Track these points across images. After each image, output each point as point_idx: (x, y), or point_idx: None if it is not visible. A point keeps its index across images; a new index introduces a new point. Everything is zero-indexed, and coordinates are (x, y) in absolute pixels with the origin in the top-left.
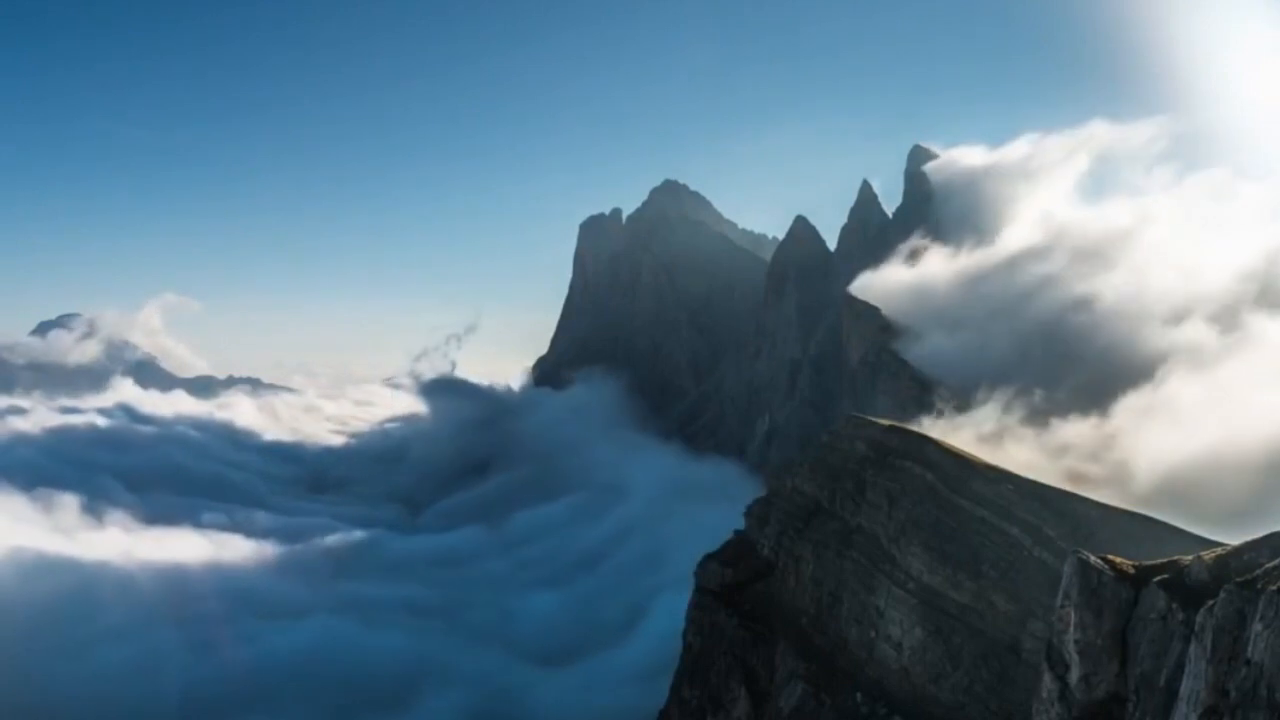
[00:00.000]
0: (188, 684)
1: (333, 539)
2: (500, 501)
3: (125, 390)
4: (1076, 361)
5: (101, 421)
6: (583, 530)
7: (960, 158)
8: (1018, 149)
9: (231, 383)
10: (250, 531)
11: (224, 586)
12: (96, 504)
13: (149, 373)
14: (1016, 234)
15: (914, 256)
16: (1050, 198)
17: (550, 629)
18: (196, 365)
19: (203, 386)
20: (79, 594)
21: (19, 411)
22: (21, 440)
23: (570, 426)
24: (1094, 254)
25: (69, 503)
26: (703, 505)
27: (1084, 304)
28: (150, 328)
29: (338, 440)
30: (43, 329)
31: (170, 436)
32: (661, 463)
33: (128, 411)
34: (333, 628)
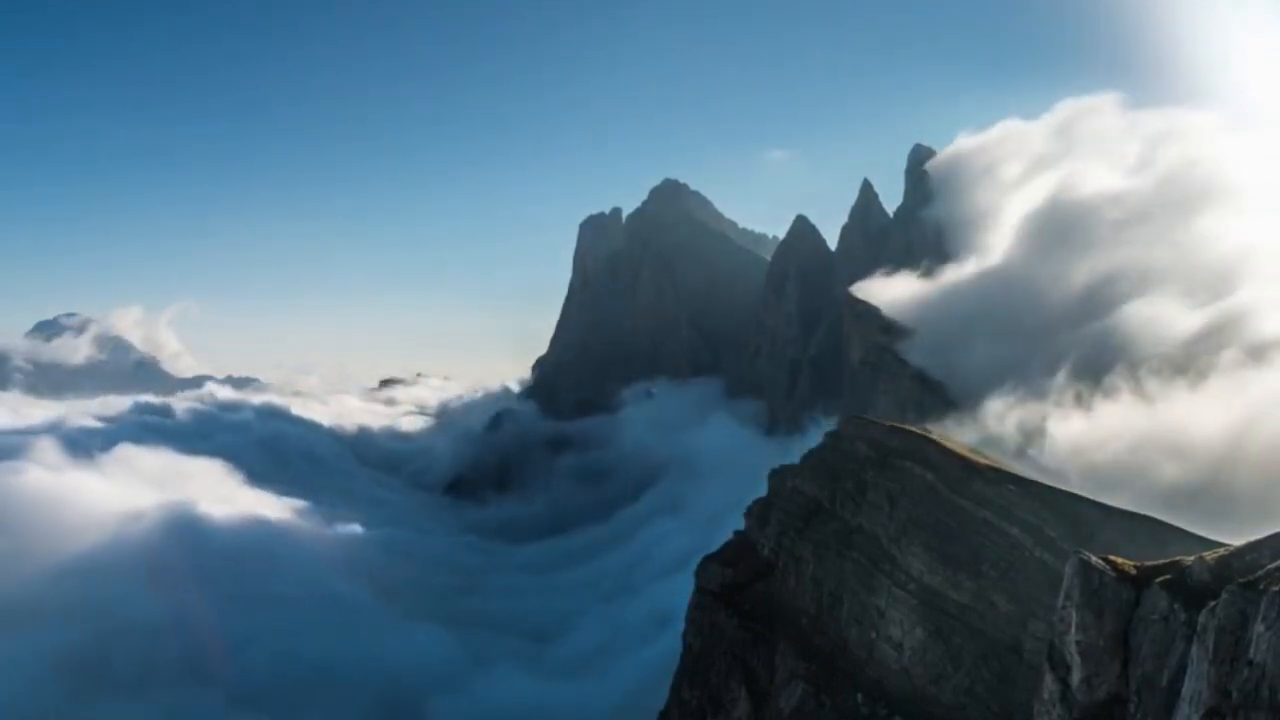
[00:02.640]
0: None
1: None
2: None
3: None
4: (1082, 354)
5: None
6: None
7: (959, 151)
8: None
9: (232, 383)
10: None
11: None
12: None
13: (148, 373)
14: (1013, 229)
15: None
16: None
17: None
18: (195, 366)
19: (202, 387)
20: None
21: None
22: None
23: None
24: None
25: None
26: None
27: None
28: (148, 328)
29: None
30: (41, 329)
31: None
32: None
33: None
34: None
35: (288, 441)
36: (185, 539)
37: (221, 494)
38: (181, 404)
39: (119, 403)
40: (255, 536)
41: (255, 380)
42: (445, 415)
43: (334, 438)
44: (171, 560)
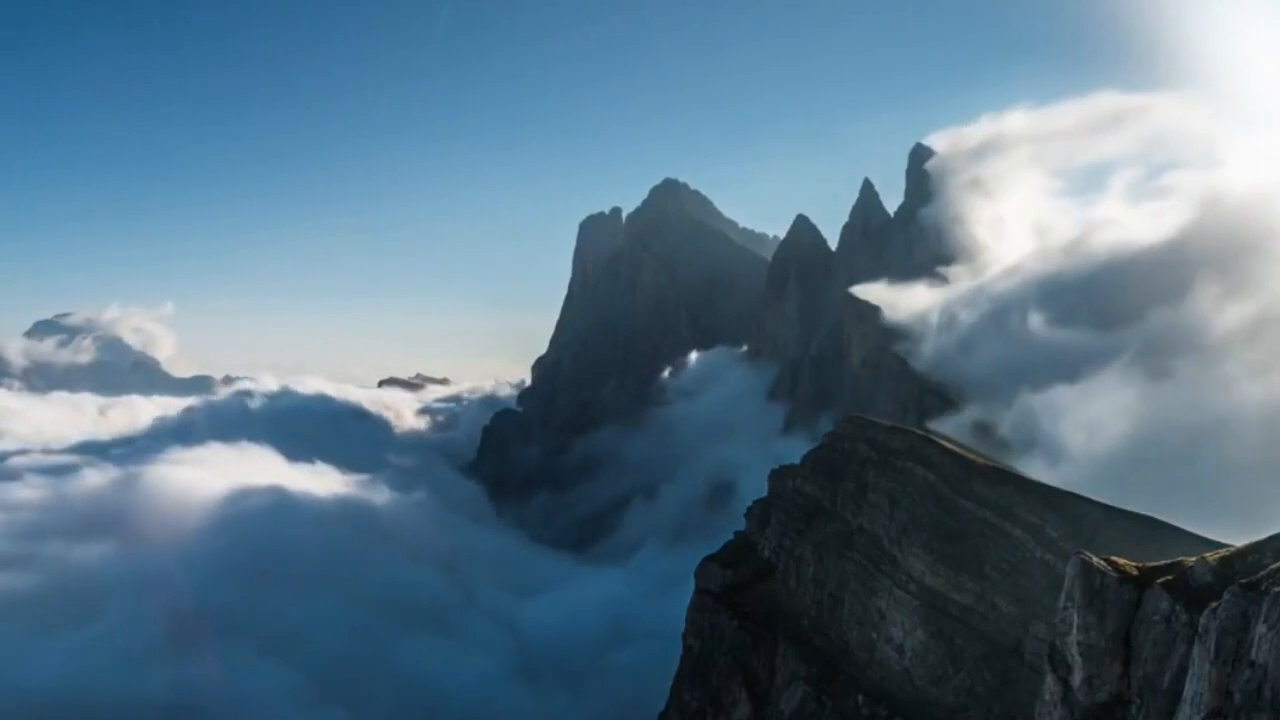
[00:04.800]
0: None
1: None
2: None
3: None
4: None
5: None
6: None
7: (959, 151)
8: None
9: (230, 382)
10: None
11: None
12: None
13: (146, 373)
14: (1014, 232)
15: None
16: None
17: None
18: (191, 366)
19: (202, 386)
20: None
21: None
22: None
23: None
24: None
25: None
26: None
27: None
28: (144, 329)
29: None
30: (39, 329)
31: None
32: None
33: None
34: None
35: (335, 420)
36: (271, 521)
37: (280, 475)
38: (204, 401)
39: (146, 403)
40: (329, 515)
41: (253, 380)
42: (444, 415)
43: (358, 411)
44: (257, 543)
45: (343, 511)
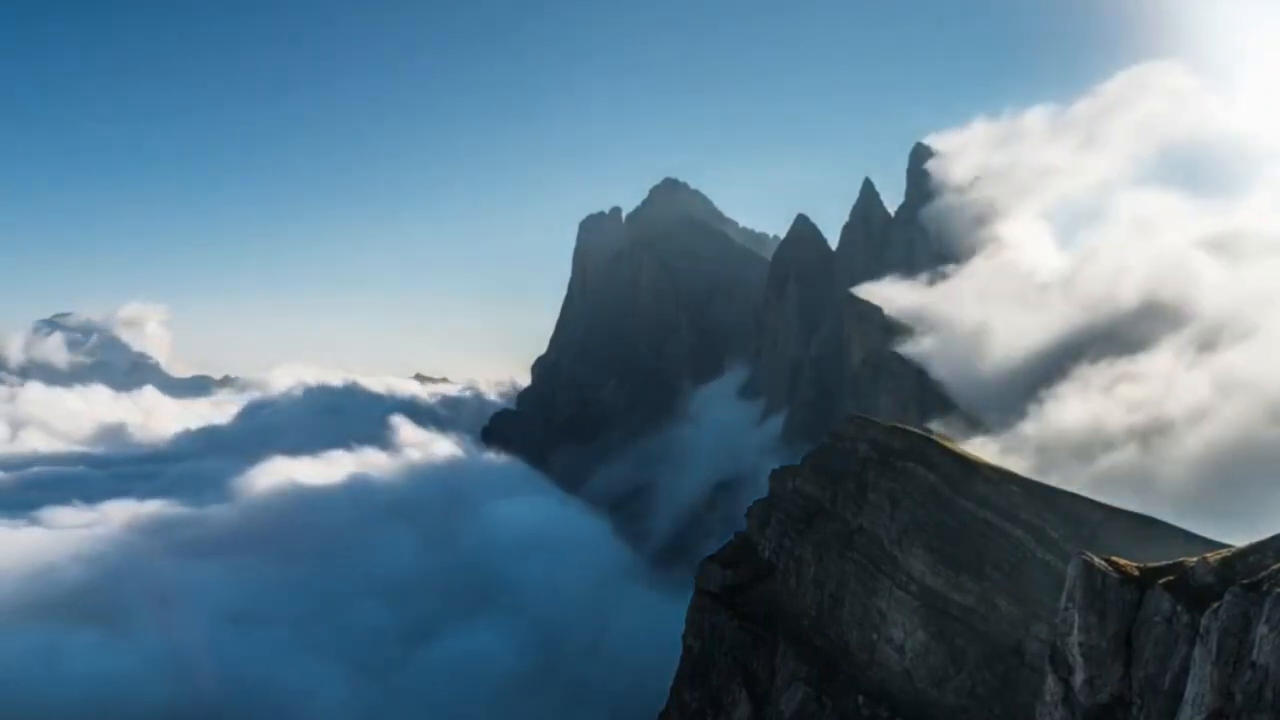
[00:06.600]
0: None
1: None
2: None
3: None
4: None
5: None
6: None
7: (958, 149)
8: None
9: (228, 382)
10: None
11: None
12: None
13: (145, 373)
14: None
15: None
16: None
17: None
18: (189, 367)
19: (201, 387)
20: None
21: None
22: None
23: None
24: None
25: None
26: None
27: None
28: (143, 329)
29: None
30: (39, 328)
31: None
32: None
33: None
34: None
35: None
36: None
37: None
38: (228, 405)
39: (165, 401)
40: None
41: (257, 380)
42: (446, 412)
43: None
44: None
45: (409, 495)
